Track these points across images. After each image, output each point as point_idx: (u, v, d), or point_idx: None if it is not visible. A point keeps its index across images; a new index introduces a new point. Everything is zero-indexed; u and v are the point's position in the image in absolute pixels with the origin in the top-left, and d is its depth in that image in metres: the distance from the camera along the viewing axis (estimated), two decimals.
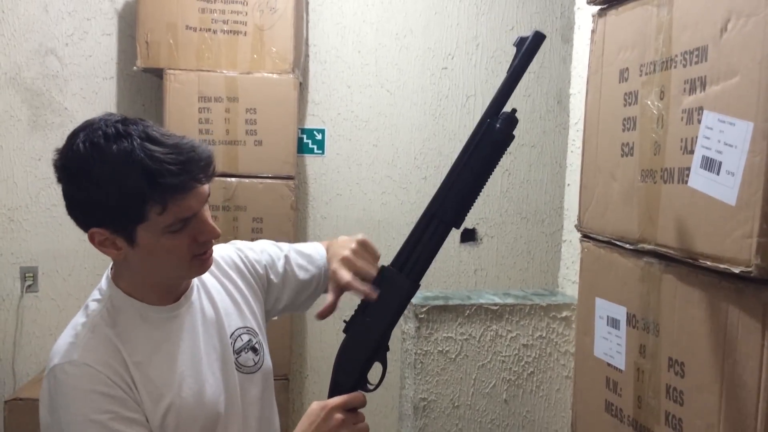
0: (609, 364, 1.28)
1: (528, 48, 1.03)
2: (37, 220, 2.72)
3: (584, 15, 1.74)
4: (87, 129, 1.00)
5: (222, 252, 1.28)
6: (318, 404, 1.06)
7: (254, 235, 2.49)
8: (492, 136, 1.05)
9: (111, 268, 1.13)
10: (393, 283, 1.07)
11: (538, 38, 1.03)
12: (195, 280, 1.18)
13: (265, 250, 1.31)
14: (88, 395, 0.99)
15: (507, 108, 1.06)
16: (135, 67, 2.47)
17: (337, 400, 1.07)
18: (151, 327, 1.09)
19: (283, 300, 1.31)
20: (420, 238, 1.08)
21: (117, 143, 0.97)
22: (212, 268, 1.21)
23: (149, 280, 1.10)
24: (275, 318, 1.37)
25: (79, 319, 1.08)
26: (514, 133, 1.05)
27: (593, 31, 1.36)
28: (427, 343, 1.73)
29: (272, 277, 1.30)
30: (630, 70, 1.22)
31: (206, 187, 1.05)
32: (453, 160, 2.52)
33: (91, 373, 1.00)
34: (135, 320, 1.08)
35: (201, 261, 1.08)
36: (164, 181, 0.97)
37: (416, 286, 1.08)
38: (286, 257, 1.32)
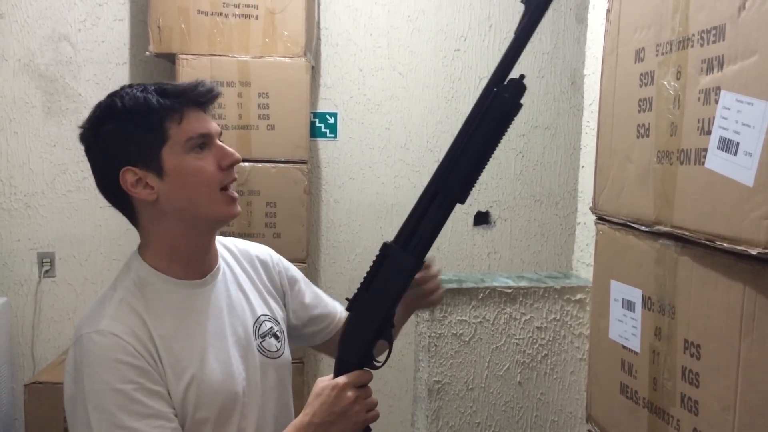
0: (624, 347, 1.27)
1: (538, 5, 0.99)
2: (53, 206, 2.74)
3: None
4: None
5: (255, 247, 1.32)
6: (327, 383, 1.06)
7: (268, 219, 2.50)
8: (499, 105, 1.01)
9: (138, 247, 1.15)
10: (396, 261, 1.03)
11: None
12: (222, 263, 1.20)
13: (296, 270, 1.37)
14: (113, 364, 1.00)
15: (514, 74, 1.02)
16: (147, 52, 2.47)
17: (347, 378, 1.06)
18: (177, 301, 1.10)
19: (293, 321, 1.33)
20: (423, 215, 1.04)
21: (131, 88, 1.10)
22: (241, 258, 1.26)
23: (180, 237, 1.10)
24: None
25: (108, 291, 1.10)
26: (521, 101, 1.02)
27: (608, 11, 1.34)
28: (441, 326, 1.74)
29: (294, 288, 1.34)
30: (646, 50, 1.21)
31: (215, 125, 1.13)
32: None
33: (118, 342, 1.01)
34: (161, 294, 1.09)
35: (229, 197, 1.11)
36: (173, 88, 1.08)
37: (420, 263, 1.04)
38: (311, 289, 1.38)
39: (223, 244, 1.26)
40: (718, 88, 1.00)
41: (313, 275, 2.85)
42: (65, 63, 2.70)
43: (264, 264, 1.29)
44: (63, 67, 2.70)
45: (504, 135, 1.03)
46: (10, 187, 2.72)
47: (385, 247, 1.04)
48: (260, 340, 1.20)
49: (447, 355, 1.76)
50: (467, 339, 1.76)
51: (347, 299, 1.09)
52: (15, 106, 2.70)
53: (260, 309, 1.23)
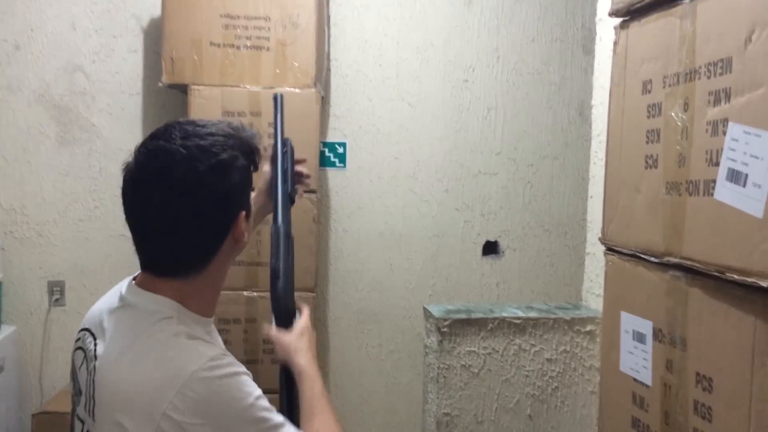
0: (635, 380, 1.26)
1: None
2: (64, 235, 2.76)
3: (606, 26, 1.73)
4: (165, 146, 1.01)
5: None
6: (302, 326, 1.21)
7: None
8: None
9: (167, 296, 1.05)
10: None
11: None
12: None
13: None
14: (244, 377, 1.00)
15: None
16: (160, 83, 2.50)
17: (308, 320, 1.24)
18: (206, 334, 1.10)
19: None
20: None
21: (209, 138, 1.03)
22: None
23: (222, 280, 1.11)
24: None
25: (163, 337, 1.00)
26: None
27: (615, 43, 1.35)
28: (449, 357, 1.73)
29: None
30: (653, 82, 1.22)
31: None
32: (473, 173, 2.56)
33: (229, 359, 1.00)
34: (196, 327, 1.07)
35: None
36: (253, 141, 1.10)
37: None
38: None
39: None
40: (726, 120, 1.01)
41: (321, 305, 2.85)
42: (79, 93, 2.74)
43: None
44: (77, 98, 2.74)
45: None
46: (22, 216, 2.75)
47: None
48: None
49: (456, 386, 1.74)
50: (476, 371, 1.74)
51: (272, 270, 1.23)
52: (29, 135, 2.73)
53: None
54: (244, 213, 1.06)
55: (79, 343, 1.10)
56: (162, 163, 0.99)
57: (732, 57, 1.01)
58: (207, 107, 2.45)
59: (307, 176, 1.61)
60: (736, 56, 1.00)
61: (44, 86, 2.73)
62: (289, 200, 1.43)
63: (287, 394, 1.17)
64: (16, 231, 2.75)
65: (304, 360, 1.16)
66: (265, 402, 1.00)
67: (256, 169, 1.10)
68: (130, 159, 1.03)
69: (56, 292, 2.76)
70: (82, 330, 1.10)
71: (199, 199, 1.00)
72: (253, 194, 1.21)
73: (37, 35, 2.71)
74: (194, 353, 0.98)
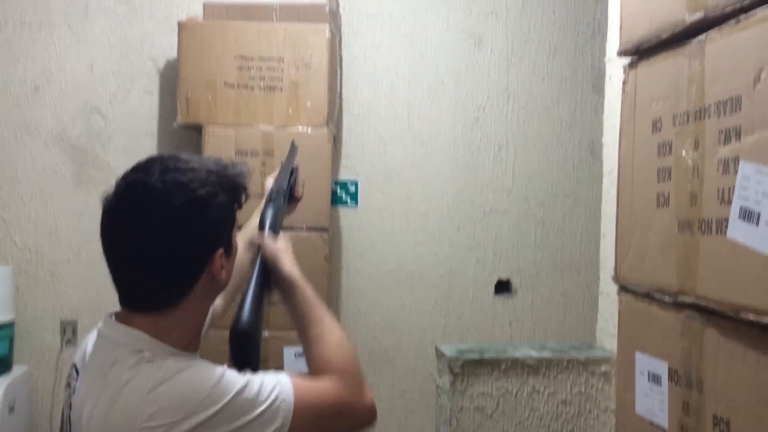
0: (652, 423, 1.23)
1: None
2: (78, 274, 2.77)
3: (615, 65, 1.75)
4: (143, 179, 1.02)
5: None
6: (284, 242, 1.27)
7: None
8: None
9: (141, 330, 1.03)
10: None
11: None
12: None
13: None
14: (199, 365, 1.00)
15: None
16: (175, 123, 2.54)
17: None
18: None
19: None
20: None
21: (195, 172, 1.03)
22: None
23: (202, 315, 1.10)
24: None
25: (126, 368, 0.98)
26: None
27: (624, 82, 1.36)
28: (462, 399, 1.70)
29: None
30: (663, 120, 1.22)
31: None
32: (485, 211, 2.56)
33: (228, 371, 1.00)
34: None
35: None
36: (237, 178, 1.08)
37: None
38: None
39: None
40: (737, 158, 1.00)
41: None
42: (96, 134, 2.79)
43: None
44: (93, 138, 2.79)
45: None
46: (37, 255, 2.77)
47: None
48: None
49: (469, 429, 1.71)
50: (490, 413, 1.71)
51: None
52: (45, 175, 2.77)
53: None
54: (221, 250, 1.04)
55: (68, 380, 1.10)
56: (138, 196, 1.00)
57: (741, 95, 1.01)
58: (221, 146, 2.48)
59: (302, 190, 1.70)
60: (746, 95, 1.00)
61: (61, 127, 2.77)
62: (287, 197, 1.51)
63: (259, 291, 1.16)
64: (30, 270, 2.76)
65: (292, 266, 1.20)
66: (231, 375, 0.99)
67: (240, 206, 1.10)
68: (111, 190, 1.04)
69: (68, 332, 2.76)
70: (72, 366, 1.10)
71: (173, 234, 0.99)
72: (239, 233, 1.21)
73: (56, 77, 2.77)
74: (148, 372, 0.96)
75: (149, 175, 1.01)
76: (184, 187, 1.00)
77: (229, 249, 1.08)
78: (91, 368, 1.03)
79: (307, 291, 1.18)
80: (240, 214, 1.12)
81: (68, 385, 1.09)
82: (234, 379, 0.98)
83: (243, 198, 1.10)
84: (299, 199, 1.66)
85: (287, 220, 2.48)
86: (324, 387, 1.06)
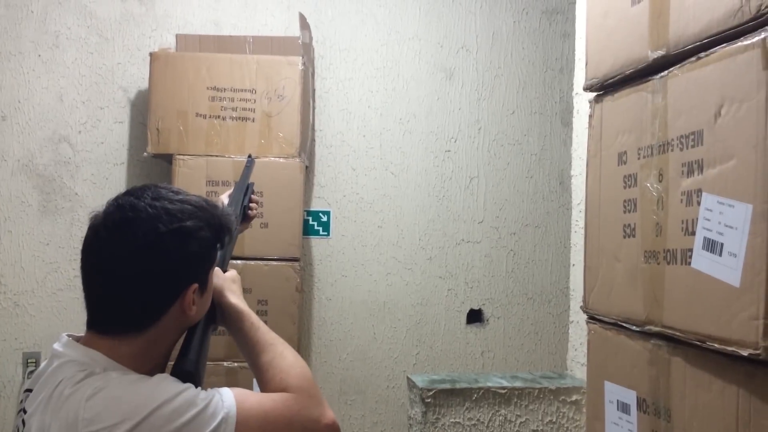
0: None
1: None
2: (42, 305, 2.72)
3: (582, 99, 1.79)
4: (134, 202, 1.02)
5: None
6: (233, 274, 1.24)
7: (259, 317, 2.47)
8: None
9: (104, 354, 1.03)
10: None
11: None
12: None
13: None
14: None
15: None
16: (145, 153, 2.53)
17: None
18: None
19: None
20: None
21: (174, 196, 1.05)
22: None
23: (169, 348, 1.09)
24: None
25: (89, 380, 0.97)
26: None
27: (591, 116, 1.39)
28: (434, 429, 1.69)
29: None
30: (628, 153, 1.25)
31: None
32: (457, 241, 2.56)
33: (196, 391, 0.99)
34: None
35: None
36: (224, 220, 1.10)
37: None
38: None
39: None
40: (700, 191, 1.03)
41: None
42: (64, 163, 2.75)
43: None
44: (61, 167, 2.75)
45: None
46: (0, 285, 2.70)
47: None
48: None
49: None
50: None
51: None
52: (11, 204, 2.72)
53: None
54: (196, 285, 1.04)
55: (21, 404, 1.08)
56: (126, 216, 1.01)
57: (703, 130, 1.04)
58: (191, 176, 2.47)
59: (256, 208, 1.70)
60: (707, 129, 1.03)
61: (29, 156, 2.74)
62: (239, 219, 1.49)
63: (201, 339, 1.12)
64: None
65: (237, 300, 1.19)
66: (169, 380, 1.00)
67: (222, 247, 1.11)
68: (101, 209, 1.05)
69: (31, 364, 2.69)
70: (25, 391, 1.08)
71: (153, 258, 1.00)
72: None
73: (24, 106, 2.74)
74: (90, 382, 0.95)
75: (141, 199, 1.02)
76: (172, 216, 1.02)
77: (204, 286, 1.08)
78: (41, 386, 1.02)
79: (254, 318, 1.18)
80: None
81: (21, 409, 1.07)
82: (172, 383, 0.99)
83: (226, 240, 1.12)
84: (252, 218, 1.67)
85: (255, 248, 2.48)
86: (273, 399, 1.04)
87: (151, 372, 1.04)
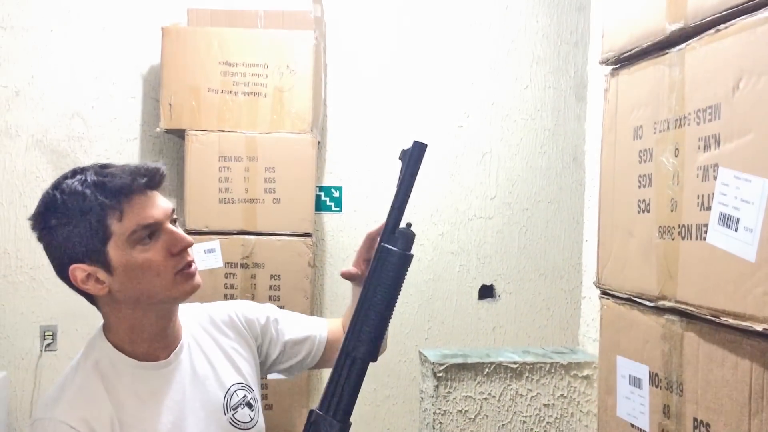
0: (633, 425, 1.25)
1: (413, 159, 1.11)
2: (58, 279, 2.74)
3: (597, 73, 1.77)
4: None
5: (217, 309, 1.30)
6: None
7: (272, 292, 2.49)
8: (390, 261, 1.07)
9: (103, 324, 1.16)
10: (321, 427, 1.04)
11: (419, 148, 1.10)
12: (186, 337, 1.19)
13: (261, 310, 1.35)
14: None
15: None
16: (158, 129, 2.53)
17: None
18: (140, 384, 1.10)
19: (272, 357, 1.34)
20: (339, 378, 1.06)
21: (73, 177, 1.09)
22: (207, 325, 1.25)
23: (139, 319, 1.11)
24: (267, 377, 1.39)
25: (69, 373, 1.12)
26: (412, 252, 1.08)
27: (606, 90, 1.38)
28: (445, 403, 1.71)
29: (267, 333, 1.33)
30: (644, 128, 1.24)
31: (165, 200, 1.11)
32: (469, 217, 2.55)
33: (65, 431, 1.02)
34: (123, 377, 1.10)
35: (186, 275, 1.10)
36: (112, 183, 1.06)
37: (345, 426, 1.05)
38: (282, 318, 1.36)
39: (188, 312, 1.25)
40: (716, 165, 1.02)
41: None
42: (77, 138, 2.77)
43: (229, 325, 1.28)
44: (75, 143, 2.77)
45: (402, 284, 1.08)
46: (16, 260, 2.74)
47: (311, 413, 1.05)
48: (232, 412, 1.19)
49: None
50: (473, 416, 1.72)
51: None
52: (25, 180, 2.74)
53: (230, 379, 1.22)
54: (84, 265, 1.07)
55: None
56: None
57: (720, 104, 1.03)
58: (204, 152, 2.48)
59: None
60: (725, 103, 1.02)
61: (42, 131, 2.75)
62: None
63: None
64: (10, 275, 2.73)
65: None
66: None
67: (120, 218, 1.06)
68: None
69: (48, 337, 2.73)
70: None
71: (45, 247, 1.11)
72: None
73: (38, 81, 2.75)
74: (53, 402, 1.08)
75: (55, 183, 1.11)
76: (43, 206, 1.10)
77: (99, 263, 1.07)
78: None
79: None
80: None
81: None
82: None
83: (122, 207, 1.06)
84: None
85: (267, 223, 2.49)
86: None
87: (138, 349, 1.12)
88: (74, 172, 1.10)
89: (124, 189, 1.05)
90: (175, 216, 1.13)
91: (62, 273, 1.10)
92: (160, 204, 1.10)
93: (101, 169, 1.09)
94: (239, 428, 1.19)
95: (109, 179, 1.06)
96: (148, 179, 1.08)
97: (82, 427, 1.02)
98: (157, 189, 1.11)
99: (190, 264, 1.11)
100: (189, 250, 1.11)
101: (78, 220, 1.06)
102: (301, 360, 1.34)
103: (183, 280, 1.10)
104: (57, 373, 2.73)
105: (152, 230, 1.07)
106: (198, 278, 1.12)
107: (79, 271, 1.07)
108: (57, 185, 1.09)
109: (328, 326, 1.37)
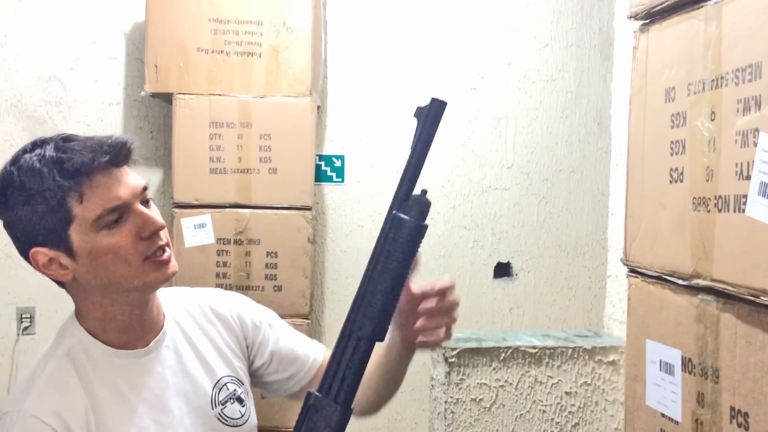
0: (663, 415, 1.25)
1: (430, 117, 1.05)
2: None
3: (624, 30, 1.75)
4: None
5: (208, 296, 1.29)
6: None
7: (268, 270, 2.50)
8: (402, 231, 1.03)
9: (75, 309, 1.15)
10: (319, 410, 1.01)
11: (438, 105, 1.04)
12: (170, 325, 1.18)
13: (257, 309, 1.33)
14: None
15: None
16: (143, 92, 2.52)
17: None
18: (115, 374, 1.10)
19: (256, 364, 1.30)
20: (341, 359, 1.02)
21: (33, 151, 1.06)
22: (196, 313, 1.23)
23: (110, 307, 1.10)
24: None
25: (40, 362, 1.12)
26: (427, 222, 1.03)
27: (635, 48, 1.36)
28: (458, 391, 1.72)
29: (257, 335, 1.30)
30: (676, 89, 1.22)
31: (135, 177, 1.08)
32: (483, 188, 2.53)
33: (36, 426, 1.01)
34: (97, 366, 1.09)
35: (157, 263, 1.07)
36: (70, 162, 1.02)
37: (346, 411, 1.01)
38: (278, 326, 1.33)
39: (173, 296, 1.24)
40: (757, 130, 1.01)
41: (317, 332, 2.84)
42: (55, 104, 2.76)
43: (220, 316, 1.26)
44: (52, 108, 2.76)
45: (414, 257, 1.04)
46: None
47: (308, 395, 1.02)
48: (221, 407, 1.18)
49: (465, 423, 1.73)
50: (488, 405, 1.73)
51: None
52: None
53: (220, 370, 1.21)
54: (45, 250, 1.05)
55: None
56: None
57: (762, 62, 1.01)
58: (193, 117, 2.47)
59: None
60: (766, 61, 1.00)
61: (17, 96, 2.74)
62: None
63: None
64: None
65: None
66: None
67: (81, 200, 1.03)
68: None
69: (25, 319, 2.75)
70: None
71: (5, 226, 1.08)
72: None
73: (11, 41, 2.73)
74: (23, 394, 1.07)
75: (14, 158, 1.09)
76: (8, 175, 1.06)
77: (61, 248, 1.05)
78: None
79: None
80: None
81: None
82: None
83: (83, 189, 1.03)
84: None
85: (263, 196, 2.49)
86: None
87: (112, 336, 1.11)
88: (34, 145, 1.08)
89: (84, 168, 1.03)
90: (147, 195, 1.09)
91: (25, 256, 1.09)
92: (129, 182, 1.07)
93: (63, 142, 1.07)
94: (228, 425, 1.18)
95: (68, 156, 1.03)
96: (112, 156, 1.04)
97: (53, 421, 1.01)
98: (126, 165, 1.08)
99: (163, 249, 1.08)
100: (162, 233, 1.08)
101: (36, 200, 1.03)
102: (286, 378, 1.31)
103: (154, 268, 1.07)
104: (35, 358, 2.76)
105: (120, 213, 1.05)
106: (173, 265, 1.10)
107: (40, 255, 1.06)
108: (15, 160, 1.07)
109: (325, 353, 1.33)
